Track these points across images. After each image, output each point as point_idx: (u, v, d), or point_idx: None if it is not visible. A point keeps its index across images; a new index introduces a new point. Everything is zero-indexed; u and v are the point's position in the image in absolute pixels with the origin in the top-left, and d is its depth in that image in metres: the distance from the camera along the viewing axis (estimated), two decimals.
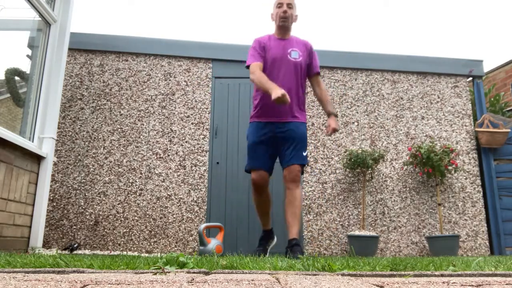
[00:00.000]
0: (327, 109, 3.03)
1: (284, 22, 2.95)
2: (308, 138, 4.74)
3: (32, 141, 3.49)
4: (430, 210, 4.56)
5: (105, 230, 4.37)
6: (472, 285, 0.95)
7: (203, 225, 2.94)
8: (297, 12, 3.07)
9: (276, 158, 2.96)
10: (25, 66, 3.76)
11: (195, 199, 4.50)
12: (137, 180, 4.53)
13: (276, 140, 2.87)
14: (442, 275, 1.22)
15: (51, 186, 4.31)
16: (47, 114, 3.61)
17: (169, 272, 1.17)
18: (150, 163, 4.59)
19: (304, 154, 2.88)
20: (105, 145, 4.63)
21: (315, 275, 1.17)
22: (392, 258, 2.44)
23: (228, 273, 1.23)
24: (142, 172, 4.56)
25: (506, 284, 0.98)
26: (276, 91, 2.55)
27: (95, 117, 4.72)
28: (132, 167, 4.57)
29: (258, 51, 2.94)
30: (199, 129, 4.72)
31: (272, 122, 2.86)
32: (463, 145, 4.76)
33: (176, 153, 4.63)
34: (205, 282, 0.95)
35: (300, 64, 2.94)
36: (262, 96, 2.86)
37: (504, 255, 3.90)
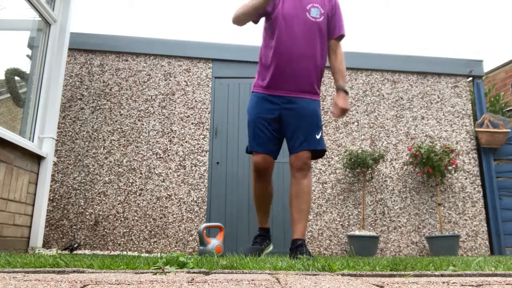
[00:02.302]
0: (338, 82, 2.46)
1: None
2: None
3: (32, 141, 3.49)
4: (430, 210, 4.56)
5: (105, 230, 4.37)
6: (472, 285, 0.95)
7: (203, 225, 2.94)
8: None
9: (282, 140, 2.46)
10: (25, 66, 3.76)
11: (195, 199, 4.50)
12: (137, 180, 4.53)
13: (282, 118, 2.37)
14: (442, 275, 1.22)
15: (51, 186, 4.31)
16: (47, 114, 3.61)
17: (169, 272, 1.17)
18: (150, 163, 4.59)
19: (318, 136, 2.34)
20: (105, 145, 4.63)
21: (315, 275, 1.17)
22: (392, 258, 2.44)
23: (228, 273, 1.23)
24: (142, 172, 4.56)
25: (506, 284, 0.98)
26: None
27: (95, 117, 4.72)
28: (132, 167, 4.57)
29: None
30: (199, 129, 4.72)
31: (281, 96, 2.36)
32: (463, 145, 4.76)
33: (176, 153, 4.63)
34: (205, 282, 0.95)
35: (322, 25, 2.37)
36: (271, 60, 2.34)
37: (504, 255, 3.90)
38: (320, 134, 2.38)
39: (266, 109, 2.37)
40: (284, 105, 2.36)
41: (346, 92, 2.46)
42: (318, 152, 2.40)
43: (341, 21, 2.48)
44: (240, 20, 2.39)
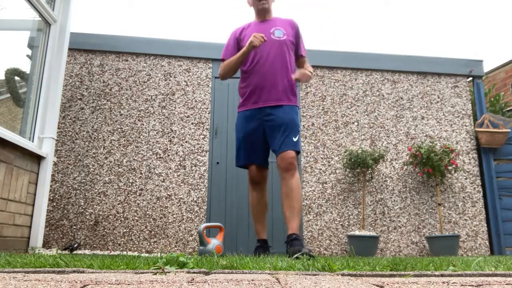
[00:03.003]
0: (304, 65, 2.87)
1: (263, 5, 2.75)
2: (308, 138, 4.74)
3: (32, 141, 3.49)
4: (430, 210, 4.56)
5: (105, 230, 4.37)
6: (472, 285, 0.95)
7: (203, 225, 2.93)
8: None
9: (269, 148, 2.77)
10: (25, 66, 3.76)
11: (195, 199, 4.50)
12: (137, 180, 4.53)
13: (265, 128, 2.69)
14: (442, 275, 1.22)
15: (51, 186, 4.31)
16: (47, 114, 3.61)
17: (169, 272, 1.17)
18: (150, 163, 4.59)
19: (295, 139, 2.62)
20: (105, 145, 4.63)
21: (315, 275, 1.17)
22: (392, 258, 2.44)
23: (228, 273, 1.23)
24: (142, 172, 4.56)
25: (506, 284, 0.98)
26: (250, 40, 2.51)
27: (95, 117, 4.72)
28: (132, 167, 4.57)
29: (231, 46, 2.80)
30: (199, 129, 4.72)
31: (260, 108, 2.68)
32: (463, 145, 4.76)
33: (176, 153, 4.63)
34: (205, 282, 0.95)
35: (285, 42, 2.72)
36: (248, 81, 2.71)
37: (504, 255, 3.90)
38: (297, 137, 2.66)
39: (251, 128, 2.71)
40: (265, 118, 2.68)
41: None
42: (295, 153, 2.67)
43: (302, 43, 2.89)
44: (228, 75, 2.81)
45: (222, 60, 2.85)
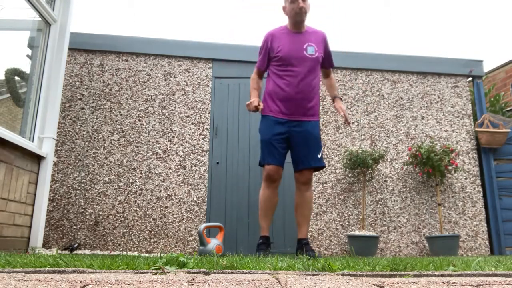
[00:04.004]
0: (334, 92, 3.08)
1: (300, 17, 2.84)
2: None
3: (32, 141, 3.49)
4: (430, 210, 4.56)
5: (105, 230, 4.37)
6: (472, 285, 0.95)
7: (203, 225, 2.94)
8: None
9: (287, 152, 2.92)
10: (25, 66, 3.76)
11: (195, 199, 4.50)
12: (137, 180, 4.53)
13: (290, 137, 2.84)
14: (442, 275, 1.22)
15: (51, 186, 4.31)
16: (47, 114, 3.61)
17: (169, 272, 1.17)
18: (150, 163, 4.59)
19: (319, 156, 2.84)
20: (105, 145, 4.63)
21: (315, 275, 1.17)
22: (392, 258, 2.44)
23: (228, 273, 1.23)
24: (142, 172, 4.56)
25: (506, 284, 0.98)
26: (251, 100, 2.79)
27: (95, 117, 4.72)
28: (132, 167, 4.57)
29: (264, 54, 2.94)
30: (199, 129, 4.72)
31: (291, 120, 2.82)
32: (463, 145, 4.76)
33: (176, 153, 4.63)
34: (205, 282, 0.95)
35: (317, 59, 2.87)
36: (281, 89, 2.82)
37: (504, 255, 3.90)
38: (321, 153, 2.87)
39: (278, 131, 2.82)
40: (293, 128, 2.82)
41: (341, 99, 3.09)
42: (318, 168, 2.91)
43: (331, 56, 3.04)
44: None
45: (257, 68, 3.03)
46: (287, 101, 2.80)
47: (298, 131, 2.81)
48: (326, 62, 3.01)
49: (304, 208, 2.82)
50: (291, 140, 2.84)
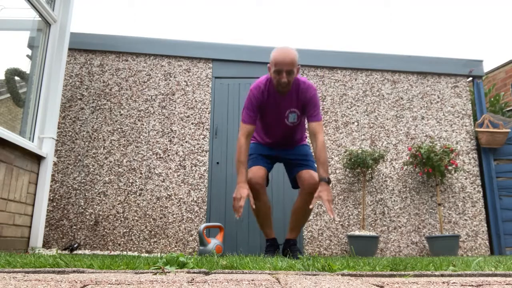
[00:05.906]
0: (319, 173, 2.55)
1: (283, 89, 2.61)
2: (308, 138, 4.74)
3: (32, 141, 3.48)
4: (430, 210, 4.56)
5: (105, 230, 4.37)
6: (472, 285, 0.95)
7: (203, 225, 2.93)
8: (298, 62, 2.64)
9: (273, 166, 2.95)
10: (25, 66, 3.76)
11: (195, 199, 4.50)
12: (137, 180, 4.53)
13: (280, 157, 2.91)
14: (442, 275, 1.22)
15: (51, 186, 4.31)
16: (47, 114, 3.61)
17: (169, 272, 1.17)
18: (150, 163, 4.59)
19: (315, 164, 2.75)
20: (105, 145, 4.63)
21: (315, 275, 1.17)
22: (392, 258, 2.44)
23: (228, 273, 1.23)
24: (142, 172, 4.56)
25: (506, 284, 0.98)
26: (237, 192, 2.48)
27: (95, 117, 4.72)
28: (132, 167, 4.57)
29: (252, 111, 2.67)
30: (199, 129, 4.72)
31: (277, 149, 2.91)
32: (463, 145, 4.76)
33: (176, 153, 4.63)
34: (205, 282, 0.95)
35: (298, 124, 2.81)
36: (263, 135, 2.88)
37: (504, 255, 3.90)
38: (314, 163, 2.75)
39: (267, 153, 2.87)
40: (281, 151, 2.88)
41: (328, 182, 2.53)
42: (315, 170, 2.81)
43: (317, 109, 2.70)
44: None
45: (245, 123, 2.68)
46: (272, 143, 2.88)
47: (287, 152, 2.88)
48: (310, 114, 2.69)
49: (303, 215, 2.78)
50: (282, 158, 2.90)
